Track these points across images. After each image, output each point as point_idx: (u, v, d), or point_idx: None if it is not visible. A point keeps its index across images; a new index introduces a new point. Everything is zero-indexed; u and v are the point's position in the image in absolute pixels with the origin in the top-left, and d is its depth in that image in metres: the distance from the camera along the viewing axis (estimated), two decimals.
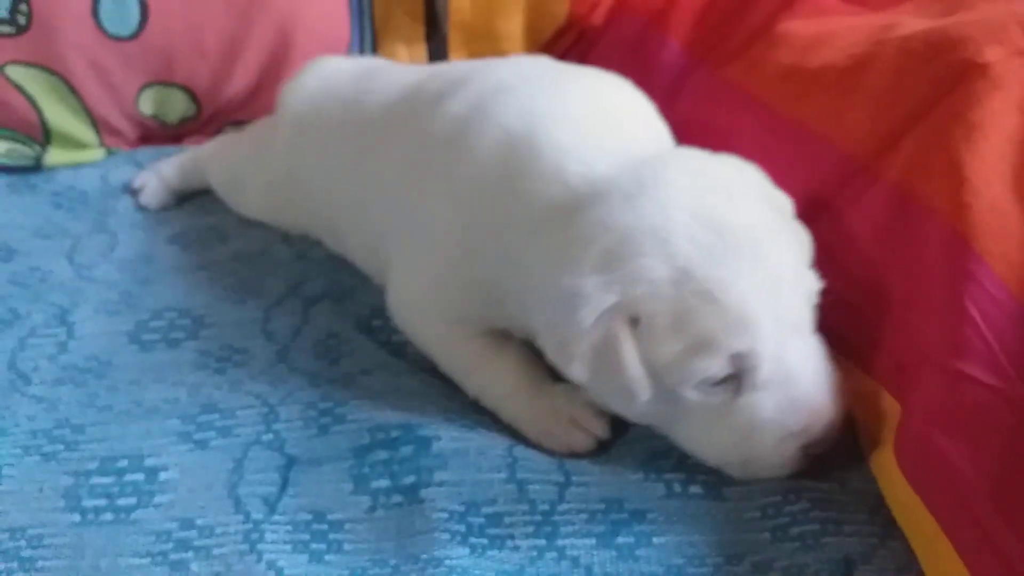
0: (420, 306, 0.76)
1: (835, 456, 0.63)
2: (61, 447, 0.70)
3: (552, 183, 0.66)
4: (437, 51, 1.22)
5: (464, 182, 0.71)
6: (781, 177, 0.77)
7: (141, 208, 1.04)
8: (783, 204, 0.67)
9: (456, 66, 0.88)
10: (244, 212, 1.00)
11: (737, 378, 0.60)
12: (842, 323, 0.68)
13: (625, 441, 0.70)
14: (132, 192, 1.06)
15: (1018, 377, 0.53)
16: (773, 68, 0.84)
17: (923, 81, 0.70)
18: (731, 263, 0.59)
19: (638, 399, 0.62)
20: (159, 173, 1.06)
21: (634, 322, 0.60)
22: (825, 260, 0.70)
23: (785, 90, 0.81)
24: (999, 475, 0.52)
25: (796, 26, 0.88)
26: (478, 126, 0.71)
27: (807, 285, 0.63)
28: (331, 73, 0.95)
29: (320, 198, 0.89)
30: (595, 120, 0.71)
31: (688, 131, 0.94)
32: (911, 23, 0.78)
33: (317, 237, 0.94)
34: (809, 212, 0.73)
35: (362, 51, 1.22)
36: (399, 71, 0.92)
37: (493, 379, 0.73)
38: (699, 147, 0.88)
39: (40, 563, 0.62)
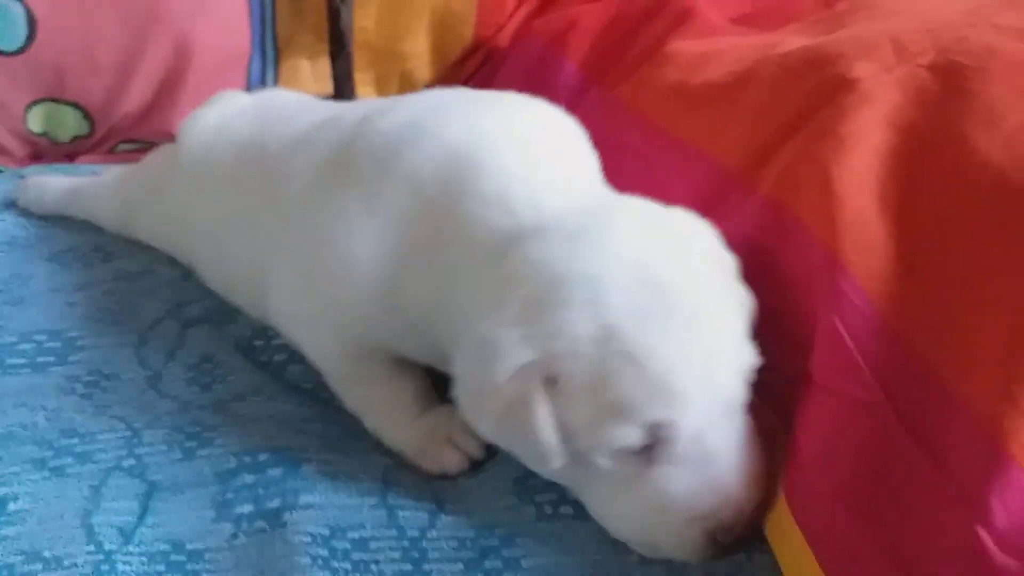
0: (325, 330, 0.70)
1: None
2: None
3: (495, 208, 0.61)
4: (342, 69, 1.20)
5: (396, 201, 0.65)
6: (664, 193, 0.77)
7: (23, 227, 1.00)
8: (730, 265, 0.62)
9: (382, 100, 0.83)
10: (141, 239, 0.96)
11: (652, 448, 0.55)
12: None
13: (499, 461, 0.68)
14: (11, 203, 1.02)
15: (878, 386, 0.53)
16: (660, 86, 0.84)
17: (798, 96, 0.70)
18: (664, 326, 0.54)
19: (549, 465, 0.57)
20: (41, 188, 1.02)
21: (553, 381, 0.55)
22: None
23: (670, 107, 0.81)
24: (855, 482, 0.51)
25: (684, 46, 0.89)
26: (413, 141, 0.66)
27: (745, 359, 0.57)
28: (230, 111, 0.91)
29: (207, 235, 0.85)
30: (541, 148, 0.66)
31: None
32: (793, 42, 0.80)
33: (199, 272, 0.90)
34: None
35: (264, 67, 1.20)
36: (307, 106, 0.88)
37: (381, 397, 0.70)
38: None
39: None
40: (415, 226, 0.64)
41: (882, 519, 0.50)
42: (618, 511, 0.58)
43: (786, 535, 0.56)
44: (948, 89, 0.64)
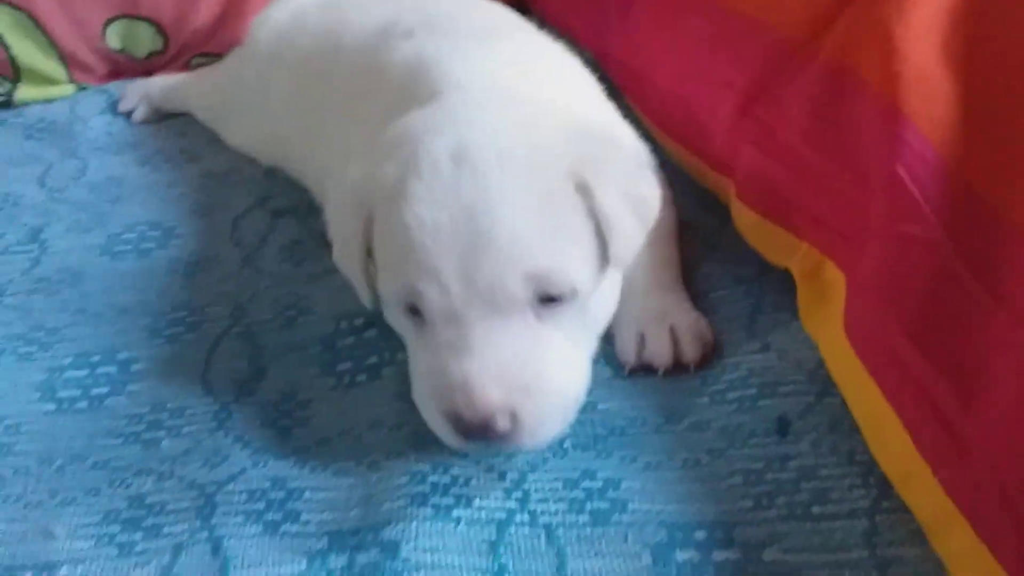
0: None
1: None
2: (36, 348, 0.73)
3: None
4: None
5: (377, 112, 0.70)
6: (726, 69, 0.79)
7: (112, 135, 1.06)
8: (570, 167, 0.59)
9: (432, 2, 0.86)
10: (228, 142, 1.02)
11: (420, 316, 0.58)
12: (786, 199, 0.71)
13: None
14: (120, 110, 1.10)
15: (938, 223, 0.56)
16: None
17: None
18: (441, 203, 0.55)
19: (365, 303, 0.62)
20: (145, 87, 1.10)
21: (371, 222, 0.59)
22: (765, 144, 0.73)
23: None
24: (918, 313, 0.55)
25: None
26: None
27: (527, 263, 0.55)
28: (298, 7, 0.97)
29: (285, 125, 0.90)
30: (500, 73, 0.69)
31: (642, 40, 0.96)
32: None
33: (279, 164, 0.95)
34: (750, 100, 0.76)
35: None
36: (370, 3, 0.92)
37: None
38: (654, 51, 0.92)
39: (18, 448, 0.65)
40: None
41: (942, 345, 0.54)
42: (410, 369, 0.60)
43: (848, 370, 0.60)
44: None
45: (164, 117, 1.10)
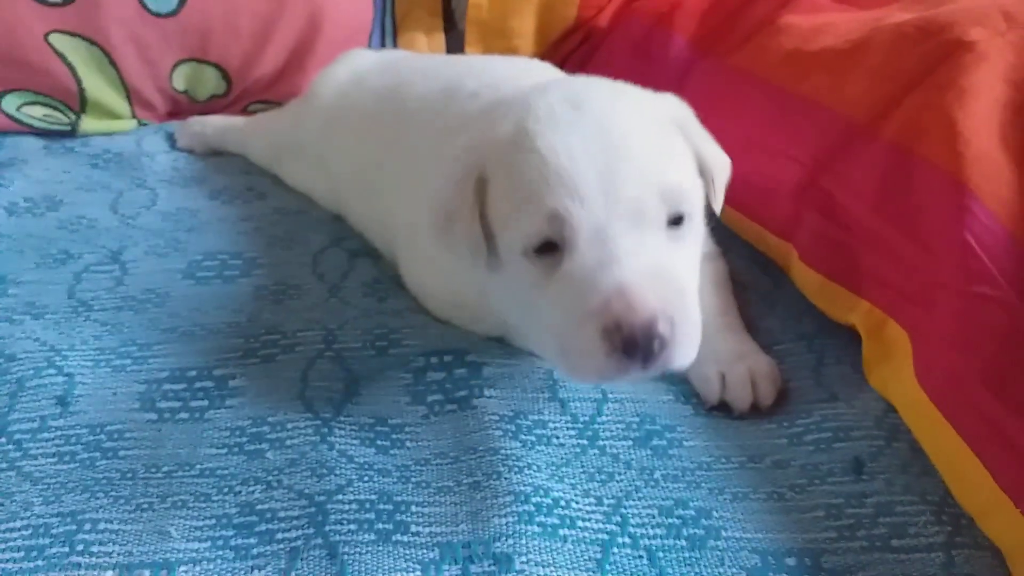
0: (431, 284, 0.81)
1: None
2: (129, 361, 0.75)
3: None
4: (453, 43, 1.30)
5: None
6: (789, 144, 0.86)
7: (178, 170, 1.09)
8: (692, 131, 0.68)
9: (489, 68, 0.91)
10: (288, 182, 1.06)
11: (559, 250, 0.60)
12: (850, 262, 0.77)
13: None
14: (180, 146, 1.15)
15: (1010, 288, 0.62)
16: (777, 53, 0.93)
17: (916, 57, 0.79)
18: (571, 130, 0.60)
19: (478, 262, 0.64)
20: (202, 125, 1.14)
21: (484, 182, 0.63)
22: (829, 213, 0.79)
23: (790, 70, 0.90)
24: (994, 366, 0.60)
25: (796, 19, 0.98)
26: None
27: (658, 180, 0.60)
28: (361, 66, 1.03)
29: (345, 178, 0.95)
30: None
31: (697, 114, 1.03)
32: (901, 15, 0.89)
33: (339, 212, 1.00)
34: (815, 172, 0.82)
35: (383, 39, 1.30)
36: (432, 65, 0.97)
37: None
38: (711, 126, 0.99)
39: (123, 452, 0.67)
40: None
41: (1017, 392, 0.59)
42: (538, 320, 0.62)
43: (924, 416, 0.65)
44: None
45: (214, 155, 1.15)
